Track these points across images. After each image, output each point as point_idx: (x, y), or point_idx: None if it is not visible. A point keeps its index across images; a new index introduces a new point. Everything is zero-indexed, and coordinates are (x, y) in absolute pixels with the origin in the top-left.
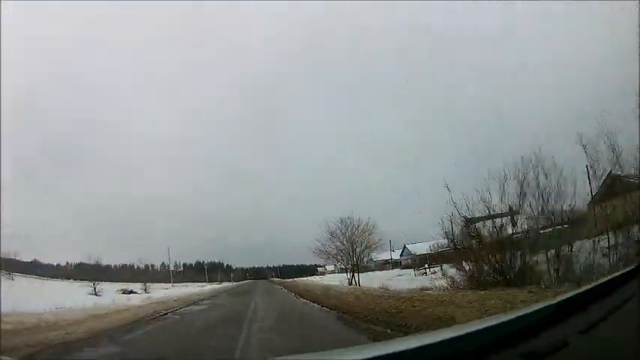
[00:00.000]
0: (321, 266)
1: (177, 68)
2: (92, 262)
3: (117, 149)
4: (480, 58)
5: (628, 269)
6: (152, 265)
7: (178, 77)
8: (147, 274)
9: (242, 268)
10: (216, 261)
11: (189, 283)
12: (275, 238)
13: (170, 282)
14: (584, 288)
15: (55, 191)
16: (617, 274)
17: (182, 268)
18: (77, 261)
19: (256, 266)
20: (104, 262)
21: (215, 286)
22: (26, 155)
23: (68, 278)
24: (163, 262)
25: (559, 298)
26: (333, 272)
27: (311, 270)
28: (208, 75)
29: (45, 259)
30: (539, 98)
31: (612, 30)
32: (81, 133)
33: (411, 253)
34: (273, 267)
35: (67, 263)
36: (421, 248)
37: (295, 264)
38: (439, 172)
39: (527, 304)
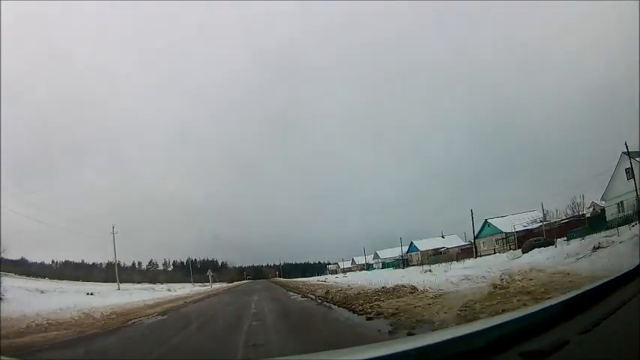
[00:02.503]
0: (332, 264)
1: (178, 61)
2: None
3: (113, 144)
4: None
5: (628, 269)
6: (139, 263)
7: (181, 69)
8: (133, 272)
9: (238, 267)
10: (210, 259)
11: (155, 286)
12: (276, 235)
13: (150, 282)
14: (585, 288)
15: (48, 189)
16: (617, 274)
17: (172, 267)
18: (63, 259)
19: (255, 264)
20: (90, 261)
21: (198, 288)
22: (17, 152)
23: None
24: (151, 260)
25: (560, 299)
26: (349, 270)
27: (318, 269)
28: (214, 65)
29: (32, 258)
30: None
31: (613, 29)
32: (79, 127)
33: (418, 250)
34: (274, 265)
35: (53, 262)
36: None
37: (298, 262)
38: (452, 166)
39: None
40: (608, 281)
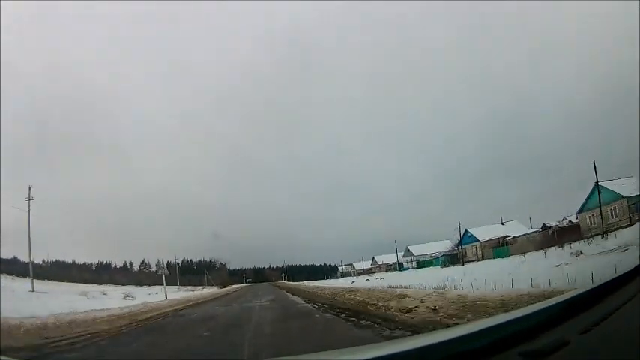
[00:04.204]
0: (346, 264)
1: (178, 57)
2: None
3: (113, 142)
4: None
5: (628, 269)
6: (130, 264)
7: (181, 65)
8: (124, 273)
9: (238, 269)
10: (208, 259)
11: (117, 289)
12: (278, 236)
13: (136, 285)
14: (584, 288)
15: (40, 187)
16: (617, 274)
17: (165, 268)
18: (53, 259)
19: (256, 266)
20: (81, 261)
21: (183, 294)
22: (14, 150)
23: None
24: (143, 260)
25: (559, 299)
26: (370, 271)
27: (325, 271)
28: (215, 64)
29: (25, 257)
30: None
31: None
32: (76, 125)
33: (477, 240)
34: (277, 267)
35: (43, 261)
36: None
37: (303, 264)
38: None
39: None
40: (608, 281)
